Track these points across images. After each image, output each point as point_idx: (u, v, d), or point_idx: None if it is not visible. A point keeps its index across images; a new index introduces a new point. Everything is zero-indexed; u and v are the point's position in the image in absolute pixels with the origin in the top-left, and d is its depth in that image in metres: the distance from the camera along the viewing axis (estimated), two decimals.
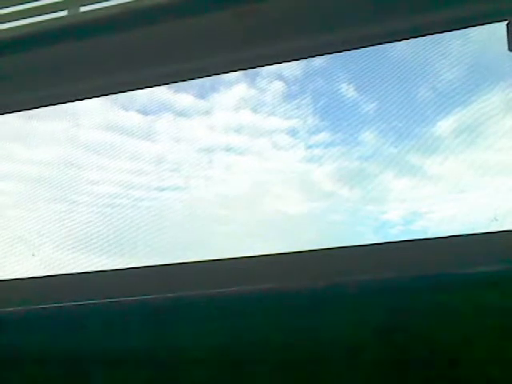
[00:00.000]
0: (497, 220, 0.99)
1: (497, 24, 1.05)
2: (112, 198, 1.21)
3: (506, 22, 1.04)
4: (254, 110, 1.19)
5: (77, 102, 1.27)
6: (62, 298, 1.07)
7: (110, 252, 1.16)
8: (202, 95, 1.22)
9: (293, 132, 1.16)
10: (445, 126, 1.06)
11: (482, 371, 0.86)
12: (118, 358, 1.02)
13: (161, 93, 1.24)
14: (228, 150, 1.20)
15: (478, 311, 0.88)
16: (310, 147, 1.15)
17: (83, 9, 1.15)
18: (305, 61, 1.16)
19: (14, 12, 1.19)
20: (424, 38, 1.08)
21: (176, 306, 1.01)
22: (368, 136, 1.10)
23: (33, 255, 1.20)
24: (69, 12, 1.15)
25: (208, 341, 0.98)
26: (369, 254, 1.00)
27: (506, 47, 1.03)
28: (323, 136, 1.13)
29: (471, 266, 0.92)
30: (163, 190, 1.20)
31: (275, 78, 1.18)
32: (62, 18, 1.16)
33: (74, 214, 1.21)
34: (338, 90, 1.14)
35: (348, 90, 1.14)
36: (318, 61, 1.16)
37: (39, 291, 1.12)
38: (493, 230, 0.96)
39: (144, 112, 1.25)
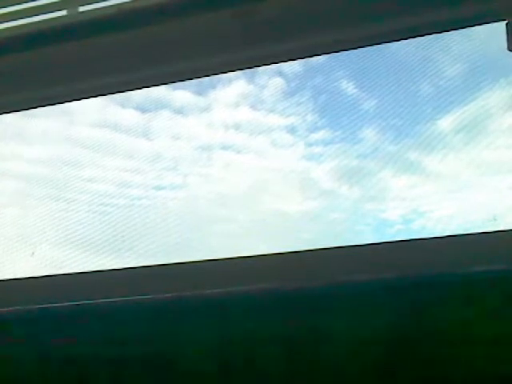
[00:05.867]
0: (496, 220, 0.99)
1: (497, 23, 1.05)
2: (109, 196, 1.20)
3: (505, 22, 1.03)
4: (253, 107, 1.18)
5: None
6: (60, 298, 1.07)
7: (107, 251, 1.15)
8: (200, 92, 1.21)
9: (292, 130, 1.15)
10: (444, 123, 1.06)
11: (482, 371, 0.86)
12: (117, 358, 1.01)
13: (158, 90, 1.23)
14: (226, 148, 1.19)
15: (477, 311, 0.88)
16: (309, 145, 1.14)
17: (82, 9, 1.14)
18: None
19: (12, 12, 1.18)
20: None
21: (174, 306, 1.01)
22: (368, 134, 1.10)
23: (32, 254, 1.19)
24: (68, 12, 1.14)
25: (206, 340, 0.98)
26: (368, 253, 1.00)
27: (506, 46, 1.03)
28: (323, 134, 1.13)
29: (470, 265, 0.92)
30: (161, 188, 1.20)
31: (274, 75, 1.18)
32: (60, 17, 1.15)
33: (71, 213, 1.21)
34: (338, 87, 1.14)
35: (348, 88, 1.13)
36: (317, 58, 1.15)
37: (37, 291, 1.12)
38: (492, 230, 0.96)
39: (141, 109, 1.24)
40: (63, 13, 1.14)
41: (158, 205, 1.18)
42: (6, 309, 1.07)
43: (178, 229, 1.15)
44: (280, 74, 1.17)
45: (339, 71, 1.14)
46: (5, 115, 1.29)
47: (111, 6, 1.11)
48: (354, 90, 1.13)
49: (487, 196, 1.02)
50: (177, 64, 1.18)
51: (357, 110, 1.12)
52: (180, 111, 1.22)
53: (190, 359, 0.98)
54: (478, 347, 0.87)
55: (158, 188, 1.20)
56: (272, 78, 1.18)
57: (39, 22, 1.16)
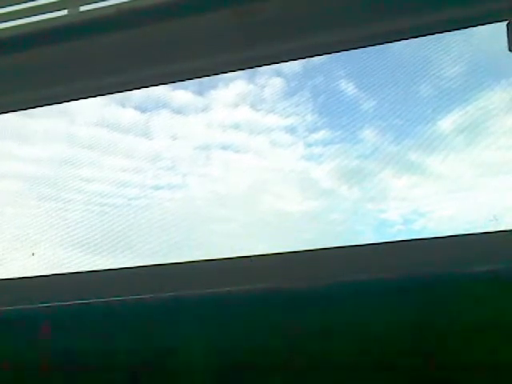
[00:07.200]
0: (496, 220, 0.98)
1: (497, 24, 1.05)
2: (108, 196, 1.20)
3: (506, 22, 1.03)
4: (253, 106, 1.18)
5: None
6: (58, 298, 1.06)
7: (105, 251, 1.15)
8: (199, 92, 1.22)
9: (292, 130, 1.15)
10: (445, 124, 1.06)
11: (482, 371, 0.85)
12: (115, 358, 1.01)
13: (158, 90, 1.23)
14: (226, 147, 1.19)
15: (478, 311, 0.88)
16: (309, 145, 1.14)
17: (83, 8, 1.14)
18: None
19: (13, 11, 1.18)
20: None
21: (172, 306, 1.00)
22: (368, 134, 1.10)
23: (32, 255, 1.19)
24: (68, 11, 1.14)
25: (205, 341, 0.97)
26: (368, 253, 1.00)
27: (507, 46, 1.03)
28: (322, 134, 1.13)
29: (471, 265, 0.91)
30: (159, 188, 1.20)
31: (274, 75, 1.18)
32: (61, 17, 1.15)
33: (70, 213, 1.20)
34: (338, 87, 1.13)
35: (348, 88, 1.13)
36: (317, 58, 1.15)
37: (37, 290, 1.12)
38: (492, 230, 0.95)
39: (141, 109, 1.24)
40: (64, 12, 1.14)
41: (156, 205, 1.18)
42: (5, 308, 1.07)
43: (177, 228, 1.15)
44: (280, 73, 1.17)
45: (339, 71, 1.14)
46: (4, 115, 1.29)
47: (112, 5, 1.11)
48: (354, 90, 1.13)
49: (488, 196, 1.02)
50: (177, 64, 1.18)
51: (357, 110, 1.12)
52: (180, 111, 1.22)
53: (189, 359, 0.97)
54: (478, 347, 0.86)
55: (157, 188, 1.20)
56: (272, 78, 1.18)
57: (39, 21, 1.16)
